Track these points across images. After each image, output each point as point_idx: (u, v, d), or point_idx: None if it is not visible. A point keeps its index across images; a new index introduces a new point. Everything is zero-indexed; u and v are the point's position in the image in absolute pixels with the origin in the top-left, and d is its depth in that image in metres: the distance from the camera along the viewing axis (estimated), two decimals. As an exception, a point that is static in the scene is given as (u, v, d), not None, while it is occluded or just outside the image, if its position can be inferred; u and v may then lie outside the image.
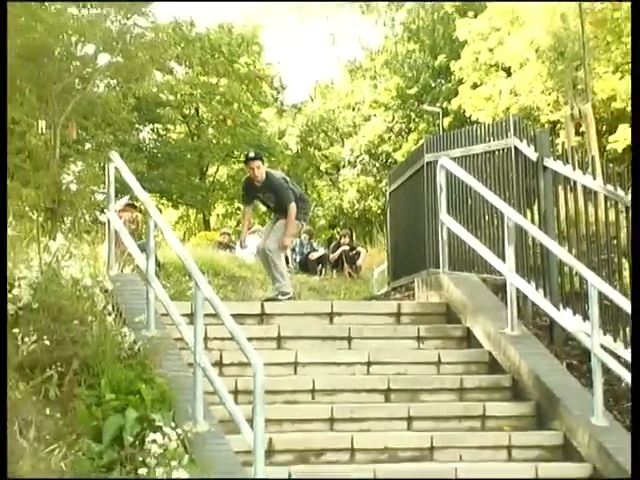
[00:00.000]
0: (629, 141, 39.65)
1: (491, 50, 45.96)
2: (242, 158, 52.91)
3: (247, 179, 20.20)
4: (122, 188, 13.70)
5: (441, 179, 15.24)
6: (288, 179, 20.82)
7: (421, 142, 21.19)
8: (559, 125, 32.60)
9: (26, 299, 11.47)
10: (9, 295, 11.44)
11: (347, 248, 35.66)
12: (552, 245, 13.79)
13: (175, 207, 49.02)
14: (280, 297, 18.28)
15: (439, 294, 15.25)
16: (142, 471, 9.78)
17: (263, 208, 29.91)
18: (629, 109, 41.52)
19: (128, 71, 44.97)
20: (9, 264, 11.91)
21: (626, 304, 12.49)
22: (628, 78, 41.62)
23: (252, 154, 20.54)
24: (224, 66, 50.30)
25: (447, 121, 41.95)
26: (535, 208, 14.81)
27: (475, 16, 48.67)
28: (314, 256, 36.76)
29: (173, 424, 10.56)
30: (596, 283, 12.47)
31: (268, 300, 17.88)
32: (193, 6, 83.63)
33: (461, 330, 14.57)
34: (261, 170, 19.41)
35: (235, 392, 11.12)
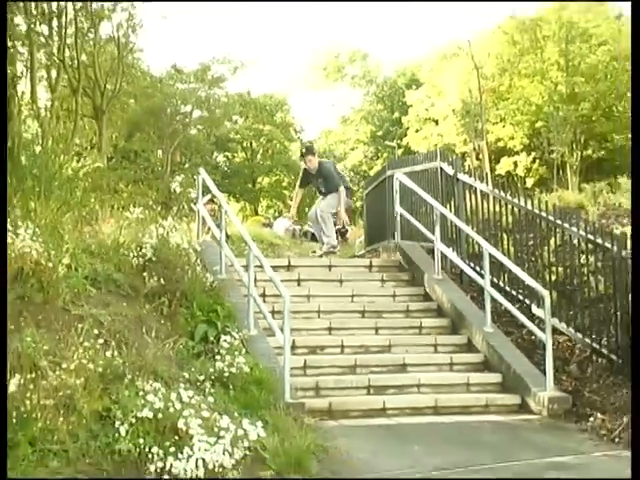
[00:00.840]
0: (508, 167, 39.65)
1: (427, 109, 46.00)
2: (278, 173, 53.38)
3: (304, 168, 17.80)
4: (206, 190, 13.87)
5: (396, 186, 15.57)
6: (338, 168, 19.02)
7: (384, 164, 21.26)
8: (466, 154, 32.76)
9: (149, 255, 11.64)
10: (140, 252, 11.73)
11: (340, 226, 35.53)
12: (462, 225, 14.03)
13: (237, 201, 49.10)
14: (332, 249, 17.08)
15: (394, 255, 15.44)
16: (218, 357, 10.02)
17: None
18: (509, 146, 41.54)
19: (210, 121, 45.37)
20: (139, 235, 12.19)
21: (504, 259, 12.75)
22: (509, 127, 41.63)
23: (304, 149, 18.45)
24: (267, 118, 50.29)
25: (400, 152, 42.10)
26: (452, 203, 14.96)
27: (417, 88, 48.80)
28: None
29: (236, 330, 10.83)
30: (486, 247, 12.72)
31: (325, 254, 16.99)
32: (250, 78, 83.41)
33: (407, 275, 14.74)
34: (313, 161, 17.37)
35: (272, 312, 11.24)
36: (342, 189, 17.07)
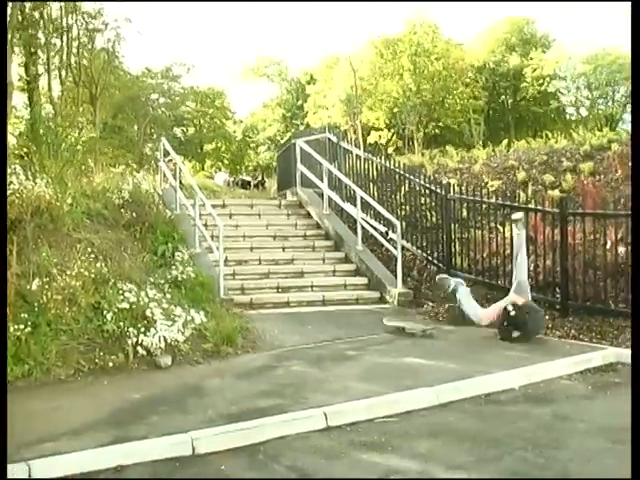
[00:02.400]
0: (375, 139, 39.68)
1: (324, 97, 45.72)
2: (218, 142, 52.91)
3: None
4: (167, 153, 13.69)
5: (298, 150, 15.38)
6: None
7: (291, 136, 21.14)
8: (347, 130, 32.91)
9: (126, 197, 11.52)
10: (120, 195, 11.59)
11: (260, 178, 35.53)
12: (342, 177, 13.99)
13: (190, 162, 48.52)
14: None
15: (297, 197, 15.33)
16: (173, 268, 9.98)
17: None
18: (376, 125, 41.59)
19: (171, 105, 44.74)
20: (120, 184, 12.04)
21: (370, 200, 12.76)
22: (376, 112, 41.66)
23: None
24: (210, 103, 49.62)
25: (302, 128, 41.95)
26: (336, 162, 14.90)
27: (314, 84, 48.44)
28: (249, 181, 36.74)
29: (186, 249, 10.77)
30: (359, 192, 12.72)
31: None
32: (199, 75, 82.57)
33: (305, 211, 14.59)
34: None
35: (212, 236, 11.11)
36: None
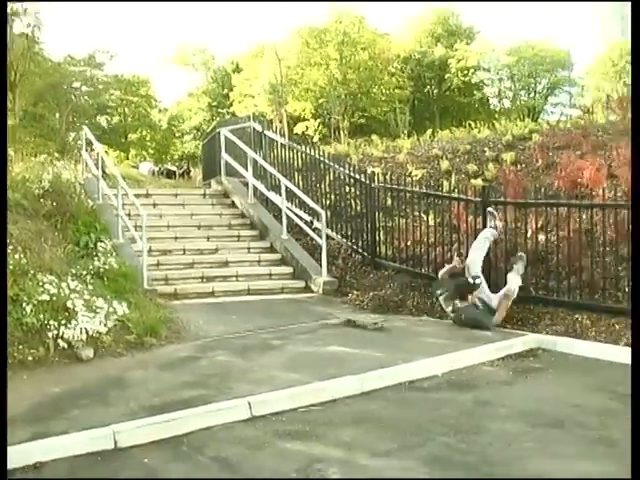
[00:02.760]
0: (302, 129, 39.67)
1: (250, 86, 45.47)
2: (143, 131, 52.09)
3: None
4: (90, 143, 13.48)
5: (222, 139, 15.26)
6: None
7: (215, 124, 20.94)
8: (273, 120, 32.82)
9: (47, 187, 11.25)
10: (40, 185, 11.30)
11: (185, 168, 35.17)
12: (267, 166, 13.94)
13: (114, 151, 47.77)
14: None
15: (222, 186, 15.22)
16: (96, 258, 9.84)
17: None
18: (302, 115, 41.55)
19: (94, 94, 43.84)
20: (40, 173, 11.71)
21: (295, 189, 12.74)
22: (302, 102, 41.65)
23: None
24: (135, 92, 48.84)
25: (228, 117, 41.56)
26: (261, 152, 14.82)
27: (239, 73, 48.14)
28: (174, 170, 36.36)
29: (109, 240, 10.61)
30: (284, 181, 12.71)
31: None
32: (123, 63, 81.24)
33: (230, 201, 14.53)
34: None
35: (135, 226, 10.99)
36: None
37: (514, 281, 8.93)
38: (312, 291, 11.24)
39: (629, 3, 6.13)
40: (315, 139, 35.91)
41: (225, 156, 15.21)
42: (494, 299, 8.91)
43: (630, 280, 6.99)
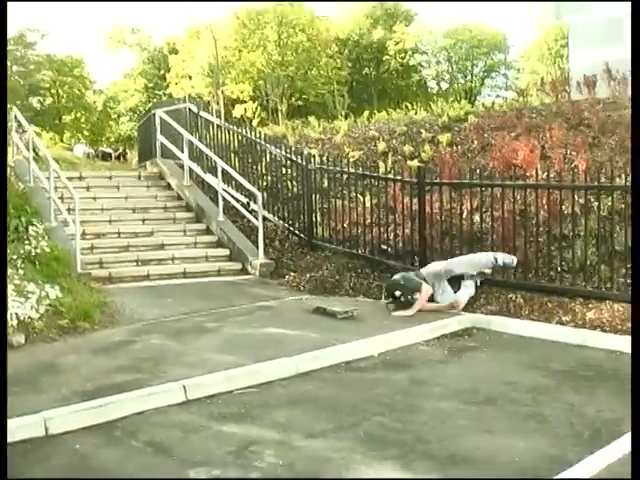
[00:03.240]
0: (241, 112, 39.34)
1: (183, 69, 45.02)
2: (78, 112, 51.05)
3: None
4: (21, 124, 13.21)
5: (158, 120, 15.06)
6: None
7: (152, 104, 20.64)
8: (210, 101, 32.42)
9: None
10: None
11: (121, 150, 34.60)
12: (203, 147, 13.77)
13: (47, 133, 46.88)
14: None
15: (157, 168, 15.04)
16: (27, 242, 9.62)
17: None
18: (240, 97, 41.24)
19: (25, 74, 42.94)
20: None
21: (232, 171, 12.65)
22: (240, 84, 41.36)
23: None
24: (69, 72, 47.89)
25: (165, 98, 40.96)
26: (197, 133, 14.65)
27: (176, 54, 47.52)
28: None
29: (40, 223, 10.41)
30: (220, 162, 12.59)
31: None
32: (56, 42, 79.46)
33: (165, 183, 14.38)
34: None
35: (68, 209, 10.77)
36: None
37: (465, 296, 8.78)
38: (249, 273, 11.20)
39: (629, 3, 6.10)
40: (254, 122, 35.67)
41: (160, 138, 15.01)
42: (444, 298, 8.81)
43: (630, 271, 7.03)
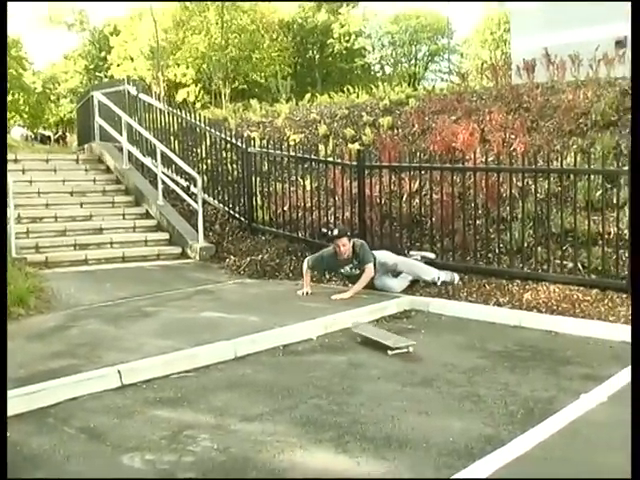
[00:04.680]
0: (184, 96, 38.89)
1: (124, 50, 44.35)
2: (15, 94, 49.85)
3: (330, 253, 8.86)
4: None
5: (96, 102, 14.86)
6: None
7: (90, 86, 20.30)
8: (152, 84, 32.23)
9: None
10: None
11: (61, 133, 34.04)
12: (142, 130, 13.65)
13: None
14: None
15: (96, 151, 14.83)
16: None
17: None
18: (183, 81, 40.82)
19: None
20: None
21: (172, 155, 12.52)
22: (182, 67, 40.92)
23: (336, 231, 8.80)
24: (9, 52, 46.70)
25: (106, 80, 40.39)
26: (136, 117, 14.43)
27: (117, 35, 46.72)
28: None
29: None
30: (159, 146, 12.47)
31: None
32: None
33: (104, 166, 14.24)
34: (347, 247, 8.70)
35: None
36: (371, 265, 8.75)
37: (399, 287, 8.76)
38: (189, 257, 11.15)
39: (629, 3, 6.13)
40: (197, 105, 35.40)
41: (99, 120, 14.82)
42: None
43: (629, 266, 7.11)
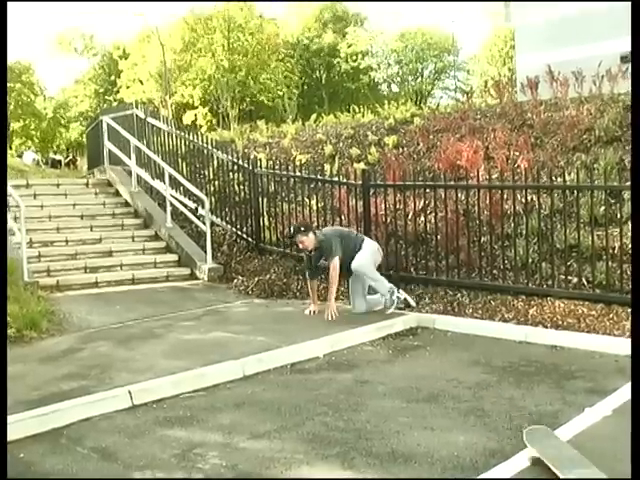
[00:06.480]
0: (191, 118, 39.09)
1: (135, 73, 44.63)
2: (27, 119, 49.96)
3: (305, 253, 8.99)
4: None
5: (105, 127, 15.03)
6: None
7: (100, 111, 20.49)
8: (160, 106, 32.40)
9: None
10: None
11: (71, 157, 34.17)
12: (150, 153, 13.77)
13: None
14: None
15: (106, 175, 14.97)
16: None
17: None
18: (191, 102, 41.01)
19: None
20: None
21: (180, 177, 12.65)
22: (190, 89, 41.13)
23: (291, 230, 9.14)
24: (17, 78, 46.99)
25: (116, 104, 40.57)
26: (144, 140, 14.57)
27: (127, 59, 46.97)
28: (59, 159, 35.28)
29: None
30: (167, 169, 12.62)
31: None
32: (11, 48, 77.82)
33: (114, 190, 14.36)
34: (306, 242, 8.69)
35: (14, 218, 10.70)
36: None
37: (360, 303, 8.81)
38: (197, 278, 11.23)
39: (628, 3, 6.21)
40: (204, 127, 35.60)
41: (108, 144, 14.99)
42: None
43: (631, 275, 7.15)
